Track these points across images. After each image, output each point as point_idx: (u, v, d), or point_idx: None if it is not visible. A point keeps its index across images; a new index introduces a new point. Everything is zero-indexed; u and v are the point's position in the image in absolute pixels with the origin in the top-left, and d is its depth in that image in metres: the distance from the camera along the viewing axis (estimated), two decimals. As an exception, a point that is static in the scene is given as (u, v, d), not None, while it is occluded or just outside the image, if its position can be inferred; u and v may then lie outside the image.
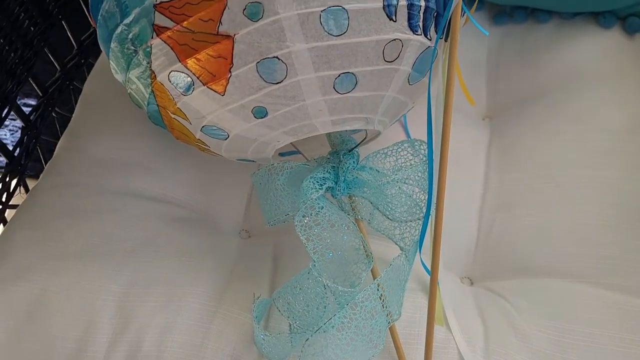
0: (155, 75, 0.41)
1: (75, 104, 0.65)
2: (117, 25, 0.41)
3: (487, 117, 0.67)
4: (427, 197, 0.43)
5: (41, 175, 0.59)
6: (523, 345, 0.47)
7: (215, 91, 0.40)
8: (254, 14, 0.37)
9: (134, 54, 0.41)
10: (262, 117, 0.41)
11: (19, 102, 0.67)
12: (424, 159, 0.48)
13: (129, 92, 0.47)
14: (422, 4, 0.40)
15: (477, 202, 0.59)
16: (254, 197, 0.59)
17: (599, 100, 0.61)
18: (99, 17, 0.43)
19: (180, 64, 0.39)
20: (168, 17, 0.38)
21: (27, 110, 0.69)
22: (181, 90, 0.41)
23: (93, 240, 0.51)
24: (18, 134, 0.86)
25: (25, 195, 0.60)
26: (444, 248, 0.43)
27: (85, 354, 0.46)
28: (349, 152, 0.48)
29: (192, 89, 0.41)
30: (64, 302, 0.47)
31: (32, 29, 0.64)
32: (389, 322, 0.44)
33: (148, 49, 0.40)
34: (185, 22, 0.38)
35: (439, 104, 0.42)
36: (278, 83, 0.39)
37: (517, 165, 0.59)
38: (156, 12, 0.38)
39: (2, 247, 0.51)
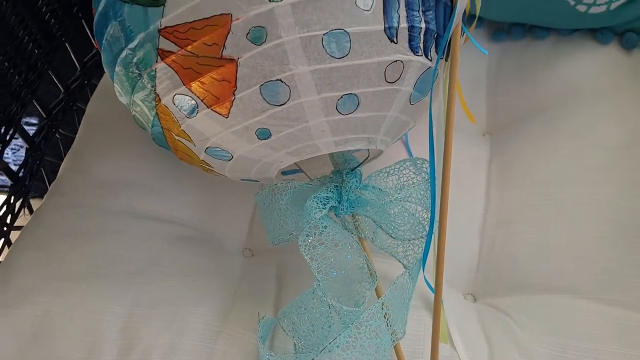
0: (159, 98, 0.42)
1: (79, 124, 0.65)
2: (121, 50, 0.42)
3: (487, 133, 0.68)
4: (429, 215, 0.43)
5: (45, 196, 0.59)
6: (526, 362, 0.47)
7: (219, 114, 0.41)
8: (257, 38, 0.37)
9: (138, 78, 0.42)
10: (265, 139, 0.42)
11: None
12: (426, 177, 0.48)
13: (133, 114, 0.47)
14: (423, 25, 0.40)
15: (478, 219, 0.59)
16: (257, 216, 0.59)
17: (597, 116, 0.62)
18: (104, 41, 0.43)
19: (184, 87, 0.40)
20: (172, 42, 0.39)
21: (29, 128, 0.69)
22: (185, 113, 0.42)
23: (97, 262, 0.52)
24: (20, 152, 0.87)
25: (29, 216, 0.60)
26: (446, 265, 0.44)
27: (90, 376, 0.46)
28: (352, 171, 0.48)
29: (196, 111, 0.41)
30: (68, 324, 0.47)
31: (36, 51, 0.64)
32: (393, 341, 0.44)
33: (152, 73, 0.41)
34: (189, 47, 0.38)
35: (440, 123, 0.42)
36: (281, 105, 0.39)
37: (516, 182, 0.60)
38: (160, 36, 0.39)
39: (6, 270, 0.51)
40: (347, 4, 0.37)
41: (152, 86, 0.41)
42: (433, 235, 0.45)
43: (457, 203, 0.50)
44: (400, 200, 0.48)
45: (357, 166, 0.49)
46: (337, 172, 0.48)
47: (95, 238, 0.53)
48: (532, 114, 0.65)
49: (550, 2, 0.66)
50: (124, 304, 0.48)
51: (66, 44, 0.71)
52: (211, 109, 0.40)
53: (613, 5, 0.65)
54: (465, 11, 0.43)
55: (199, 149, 0.45)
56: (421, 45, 0.41)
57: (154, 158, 0.59)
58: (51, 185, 0.60)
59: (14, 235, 0.61)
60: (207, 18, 0.37)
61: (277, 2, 0.36)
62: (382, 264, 0.50)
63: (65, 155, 0.63)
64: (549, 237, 0.55)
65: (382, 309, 0.43)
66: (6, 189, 0.66)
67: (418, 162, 0.49)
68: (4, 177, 0.66)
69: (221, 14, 0.37)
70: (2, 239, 0.62)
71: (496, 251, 0.56)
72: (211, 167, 0.47)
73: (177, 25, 0.38)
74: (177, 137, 0.45)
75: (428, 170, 0.48)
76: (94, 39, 0.47)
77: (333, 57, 0.38)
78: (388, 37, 0.39)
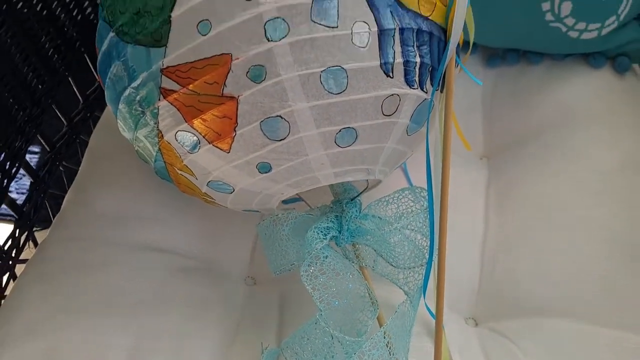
0: (162, 135, 0.43)
1: (82, 157, 0.66)
2: (125, 88, 0.43)
3: (484, 156, 0.69)
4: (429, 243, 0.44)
5: (49, 229, 0.60)
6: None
7: (221, 149, 0.41)
8: (257, 76, 0.38)
9: (141, 115, 0.43)
10: (266, 172, 0.43)
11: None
12: (425, 205, 0.49)
13: (136, 149, 0.48)
14: (418, 60, 0.41)
15: (478, 244, 0.60)
16: (259, 244, 0.60)
17: (590, 140, 0.63)
18: (107, 79, 0.44)
19: (186, 124, 0.41)
20: (174, 81, 0.40)
21: (30, 157, 0.69)
22: (188, 149, 0.43)
23: (100, 294, 0.52)
24: (22, 181, 0.87)
25: (33, 249, 0.61)
26: (447, 290, 0.44)
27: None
28: (352, 200, 0.49)
29: (198, 147, 0.42)
30: (74, 358, 0.47)
31: (40, 87, 0.66)
32: (396, 369, 0.44)
33: (155, 110, 0.42)
34: (191, 85, 0.39)
35: (437, 152, 0.43)
36: (281, 140, 0.40)
37: (513, 206, 0.61)
38: (163, 75, 0.40)
39: (12, 303, 0.52)
40: (343, 41, 0.38)
41: (155, 123, 0.42)
42: (433, 262, 0.45)
43: (456, 227, 0.51)
44: (400, 229, 0.49)
45: (357, 196, 0.49)
46: (337, 201, 0.49)
47: (97, 270, 0.54)
48: (528, 138, 0.66)
49: (543, 29, 0.67)
50: (128, 336, 0.49)
51: (69, 78, 0.72)
52: (213, 145, 0.41)
53: (604, 31, 0.67)
54: (459, 41, 0.44)
55: (201, 183, 0.46)
56: (416, 78, 0.42)
57: (155, 190, 0.60)
58: (55, 218, 0.61)
59: (19, 269, 0.61)
60: (208, 58, 0.38)
61: (276, 41, 0.37)
62: (383, 291, 0.50)
63: (69, 187, 0.63)
64: (548, 261, 0.55)
65: (384, 338, 0.44)
66: (9, 217, 0.67)
67: (417, 190, 0.50)
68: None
69: (221, 54, 0.38)
70: (7, 273, 0.63)
71: (497, 275, 0.57)
72: (213, 199, 0.48)
73: (179, 64, 0.39)
74: (179, 172, 0.46)
75: (426, 199, 0.49)
76: (96, 73, 0.48)
77: (331, 93, 0.39)
78: (384, 72, 0.40)
